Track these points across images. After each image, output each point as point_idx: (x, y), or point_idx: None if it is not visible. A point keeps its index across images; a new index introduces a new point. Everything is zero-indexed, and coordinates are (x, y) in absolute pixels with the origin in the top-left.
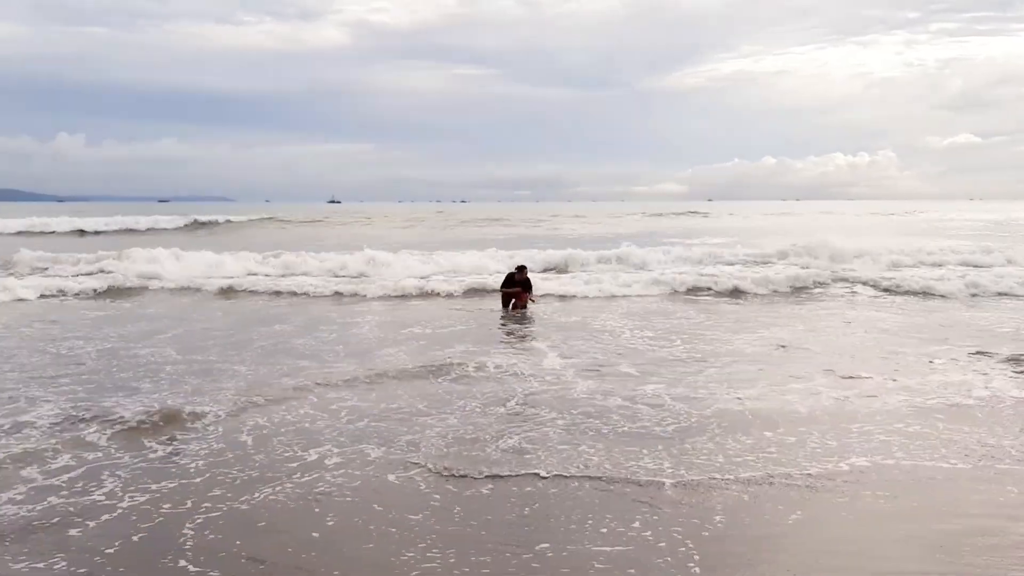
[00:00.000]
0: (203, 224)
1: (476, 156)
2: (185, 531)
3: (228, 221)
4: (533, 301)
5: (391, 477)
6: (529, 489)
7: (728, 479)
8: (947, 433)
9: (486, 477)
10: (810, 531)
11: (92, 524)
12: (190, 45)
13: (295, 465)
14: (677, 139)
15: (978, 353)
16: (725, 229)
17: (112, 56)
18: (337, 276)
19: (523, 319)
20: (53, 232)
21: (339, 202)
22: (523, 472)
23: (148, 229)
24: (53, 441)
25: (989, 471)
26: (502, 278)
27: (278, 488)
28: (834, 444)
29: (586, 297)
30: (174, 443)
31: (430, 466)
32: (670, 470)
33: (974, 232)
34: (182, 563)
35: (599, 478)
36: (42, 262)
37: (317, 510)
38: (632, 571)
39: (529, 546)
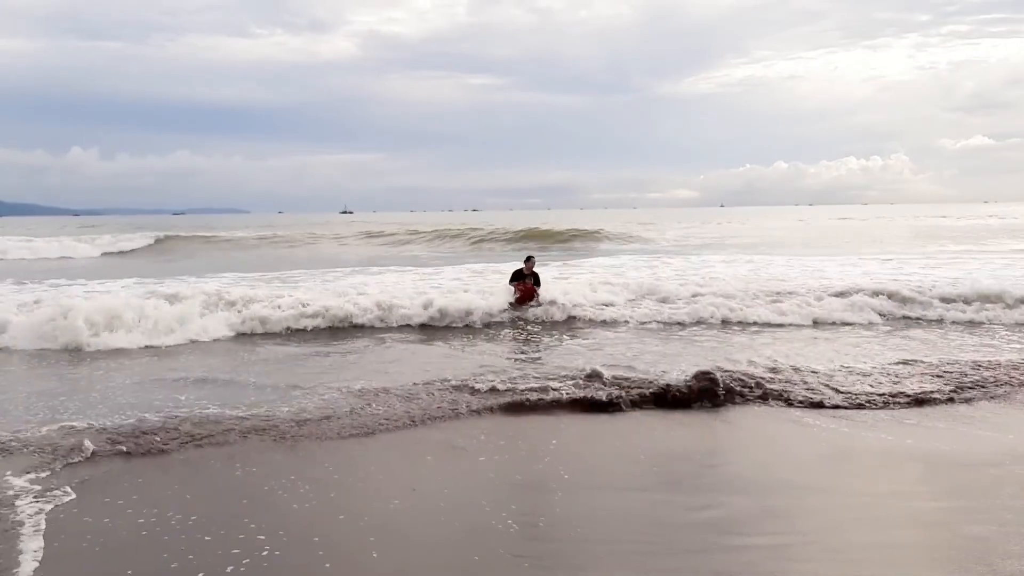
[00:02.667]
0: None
1: (486, 165)
2: None
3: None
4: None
5: None
6: None
7: None
8: None
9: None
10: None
11: None
12: (202, 58)
13: None
14: (689, 145)
15: None
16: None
17: (125, 70)
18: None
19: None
20: None
21: (351, 212)
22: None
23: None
24: None
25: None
26: None
27: None
28: None
29: None
30: None
31: None
32: None
33: None
34: None
35: None
36: None
37: None
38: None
39: None
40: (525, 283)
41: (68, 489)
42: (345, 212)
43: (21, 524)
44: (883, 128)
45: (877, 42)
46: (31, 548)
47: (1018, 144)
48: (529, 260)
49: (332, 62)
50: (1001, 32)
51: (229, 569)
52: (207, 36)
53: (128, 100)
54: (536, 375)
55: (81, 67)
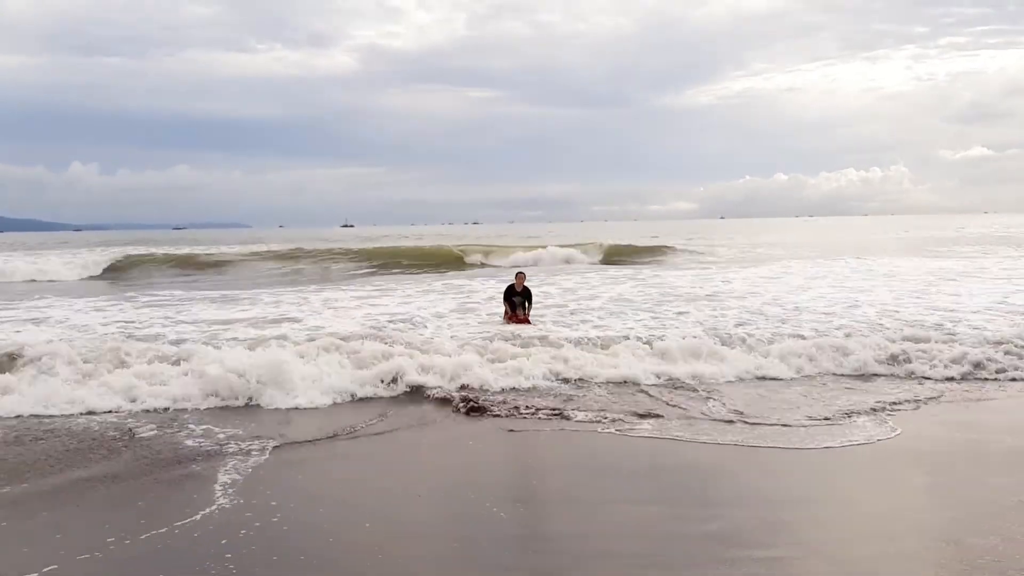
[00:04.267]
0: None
1: (486, 177)
2: None
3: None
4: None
5: None
6: None
7: None
8: None
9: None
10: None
11: None
12: (202, 73)
13: None
14: (688, 157)
15: None
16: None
17: (125, 85)
18: None
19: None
20: None
21: (352, 226)
22: None
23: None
24: None
25: None
26: None
27: None
28: None
29: None
30: None
31: None
32: None
33: None
34: None
35: None
36: None
37: None
38: None
39: None
40: (516, 314)
41: (268, 448)
42: (346, 226)
43: (225, 458)
44: (882, 139)
45: (875, 54)
46: (223, 481)
47: (1017, 154)
48: (519, 275)
49: (332, 76)
50: (999, 43)
51: (242, 533)
52: (207, 51)
53: (128, 115)
54: None
55: (81, 83)
